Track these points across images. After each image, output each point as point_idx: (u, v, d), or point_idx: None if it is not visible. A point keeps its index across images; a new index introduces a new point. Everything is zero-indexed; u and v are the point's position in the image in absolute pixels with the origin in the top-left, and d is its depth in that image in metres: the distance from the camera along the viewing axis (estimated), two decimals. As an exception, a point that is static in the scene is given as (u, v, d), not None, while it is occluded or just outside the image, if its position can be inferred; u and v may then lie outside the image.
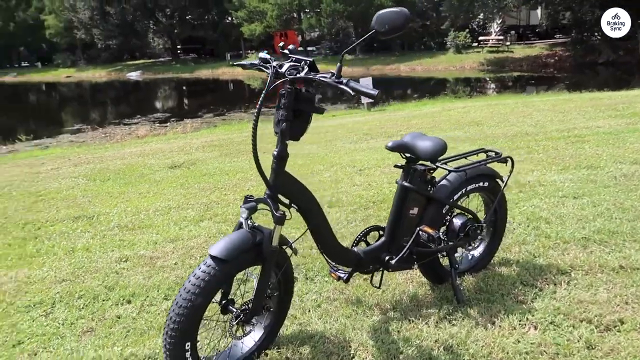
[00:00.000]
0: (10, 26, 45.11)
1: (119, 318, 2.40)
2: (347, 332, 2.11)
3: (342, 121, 8.94)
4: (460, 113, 8.53)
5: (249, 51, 38.41)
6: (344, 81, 1.65)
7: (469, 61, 26.51)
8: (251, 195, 1.84)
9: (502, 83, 20.65)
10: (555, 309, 2.15)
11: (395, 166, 2.26)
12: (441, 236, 2.17)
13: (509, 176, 2.47)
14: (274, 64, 1.80)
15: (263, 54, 1.89)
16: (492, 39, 28.50)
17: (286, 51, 1.86)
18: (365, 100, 10.21)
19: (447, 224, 2.43)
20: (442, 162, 2.32)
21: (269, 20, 33.68)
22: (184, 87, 29.96)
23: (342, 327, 2.15)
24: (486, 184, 2.43)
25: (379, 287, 2.29)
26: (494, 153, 2.46)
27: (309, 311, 2.32)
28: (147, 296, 2.59)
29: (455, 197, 2.32)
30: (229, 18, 39.34)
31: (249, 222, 1.79)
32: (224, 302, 1.86)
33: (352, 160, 5.36)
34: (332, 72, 1.70)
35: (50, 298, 2.65)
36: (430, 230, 2.14)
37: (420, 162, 2.21)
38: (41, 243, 3.52)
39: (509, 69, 23.74)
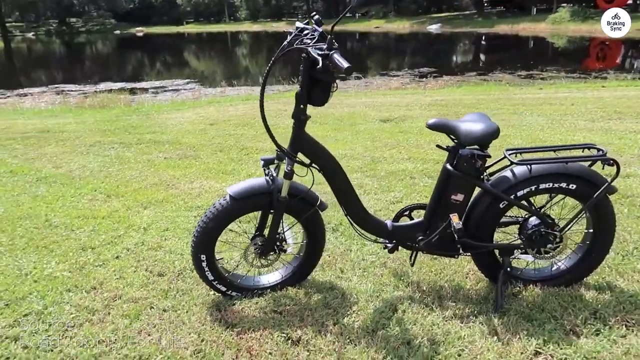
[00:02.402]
0: (340, -21, 51.34)
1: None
2: (361, 296, 2.21)
3: (603, 94, 7.54)
4: None
5: (563, 5, 34.21)
6: (331, 53, 1.71)
7: None
8: (282, 150, 2.09)
9: None
10: (594, 352, 1.75)
11: (437, 146, 2.11)
12: (462, 228, 1.97)
13: (608, 183, 1.98)
14: (302, 32, 1.95)
15: (300, 24, 2.03)
16: None
17: (313, 21, 1.96)
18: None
19: (522, 222, 2.16)
20: (516, 151, 2.05)
21: (593, -32, 29.02)
22: (482, 42, 29.00)
23: (363, 291, 2.24)
24: (573, 186, 2.01)
25: (412, 266, 2.25)
26: (601, 152, 2.00)
27: (357, 269, 2.47)
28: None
29: (520, 194, 2.02)
30: (546, -34, 35.53)
31: (267, 172, 2.07)
32: (256, 234, 2.22)
33: (560, 140, 4.70)
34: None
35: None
36: (454, 220, 1.98)
37: (472, 147, 2.01)
38: (238, 165, 4.47)
39: None
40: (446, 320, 2.00)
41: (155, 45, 39.88)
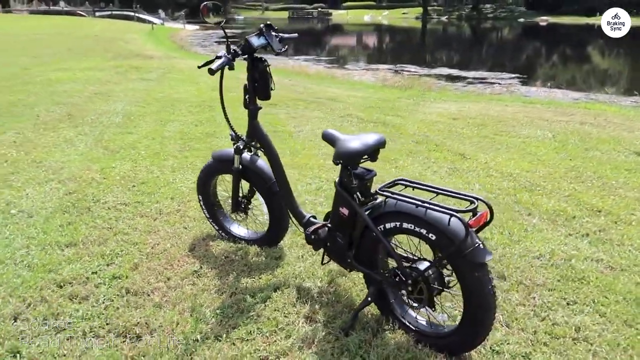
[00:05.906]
0: None
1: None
2: (279, 272, 2.52)
3: None
4: None
5: None
6: (224, 55, 2.15)
7: None
8: (235, 133, 2.55)
9: None
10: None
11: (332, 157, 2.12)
12: (308, 235, 2.01)
13: (456, 246, 1.65)
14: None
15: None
16: None
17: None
18: None
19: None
20: (407, 183, 1.95)
21: None
22: None
23: (289, 270, 2.53)
24: (432, 236, 1.76)
25: (322, 264, 2.36)
26: (483, 207, 1.70)
27: (312, 256, 2.70)
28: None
29: (388, 227, 1.90)
30: None
31: (235, 146, 2.60)
32: (241, 195, 2.79)
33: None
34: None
35: (315, 183, 4.05)
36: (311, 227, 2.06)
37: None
38: (408, 157, 4.73)
39: None
40: (293, 314, 2.17)
41: (552, 36, 37.66)
